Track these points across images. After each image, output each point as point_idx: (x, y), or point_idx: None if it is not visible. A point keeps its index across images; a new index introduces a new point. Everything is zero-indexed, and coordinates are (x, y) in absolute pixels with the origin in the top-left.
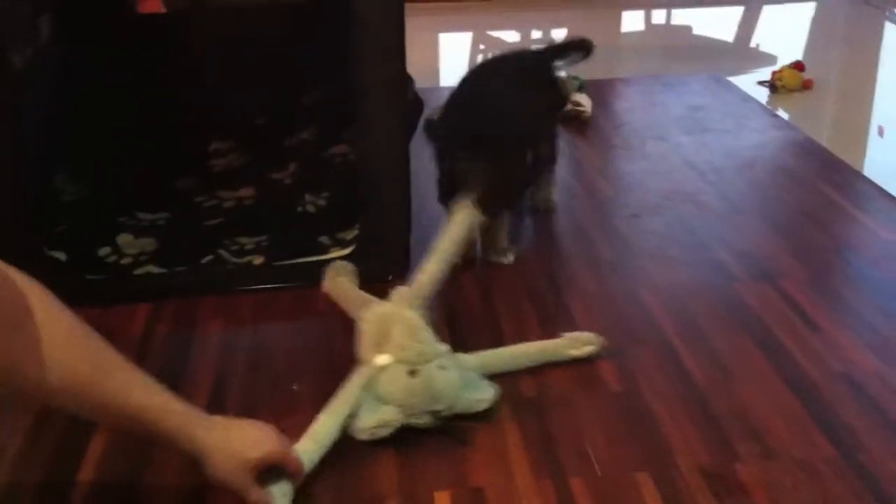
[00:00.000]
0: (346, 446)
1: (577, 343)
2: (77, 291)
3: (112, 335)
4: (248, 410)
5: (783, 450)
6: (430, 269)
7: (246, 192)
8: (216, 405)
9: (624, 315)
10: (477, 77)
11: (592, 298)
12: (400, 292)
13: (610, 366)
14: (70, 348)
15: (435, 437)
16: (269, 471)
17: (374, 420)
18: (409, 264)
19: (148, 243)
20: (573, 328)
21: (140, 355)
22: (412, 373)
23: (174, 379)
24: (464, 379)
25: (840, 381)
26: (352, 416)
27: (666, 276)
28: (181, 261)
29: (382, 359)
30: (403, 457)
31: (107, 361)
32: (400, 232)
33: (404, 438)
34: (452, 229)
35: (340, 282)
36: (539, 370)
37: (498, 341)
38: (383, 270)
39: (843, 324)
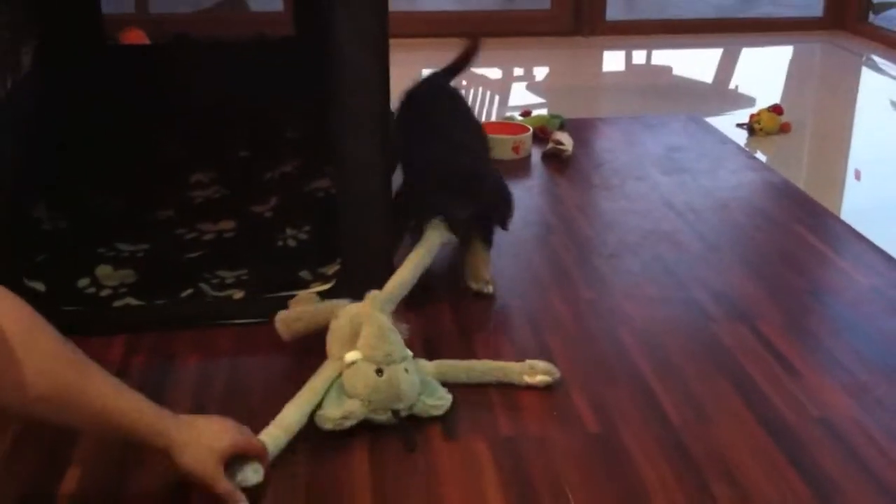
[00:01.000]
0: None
1: (533, 371)
2: (54, 323)
3: None
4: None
5: (758, 492)
6: (403, 276)
7: (226, 224)
8: None
9: (601, 354)
10: (426, 112)
11: (570, 337)
12: (372, 295)
13: (587, 405)
14: (57, 356)
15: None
16: (236, 459)
17: (340, 412)
18: None
19: (127, 275)
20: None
21: None
22: (378, 371)
23: None
24: (424, 384)
25: (816, 424)
26: (318, 406)
27: (643, 316)
28: (160, 293)
29: (352, 355)
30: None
31: (87, 367)
32: (380, 268)
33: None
34: (426, 241)
35: (306, 298)
36: (516, 408)
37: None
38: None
39: (820, 367)
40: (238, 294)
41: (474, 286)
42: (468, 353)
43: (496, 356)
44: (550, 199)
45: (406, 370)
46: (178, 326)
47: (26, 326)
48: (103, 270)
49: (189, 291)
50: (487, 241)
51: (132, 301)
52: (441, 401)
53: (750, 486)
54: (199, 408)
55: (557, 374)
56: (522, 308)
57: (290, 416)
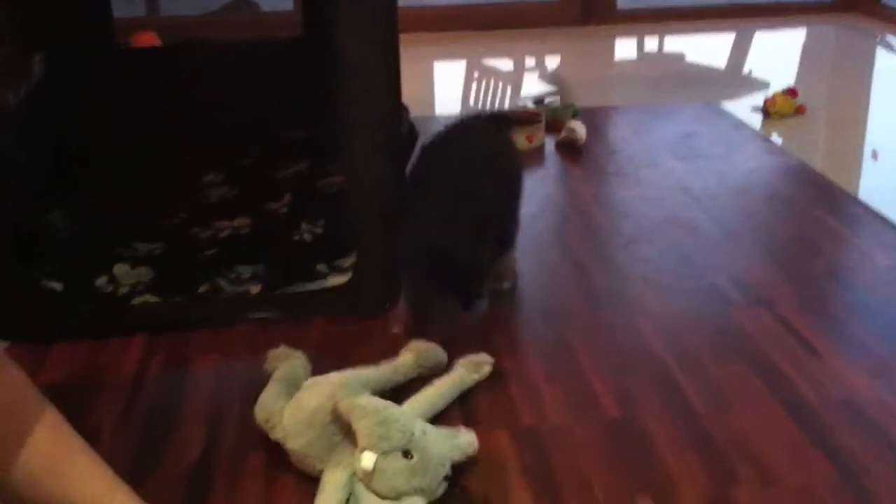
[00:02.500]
0: None
1: (476, 367)
2: (73, 323)
3: (106, 370)
4: (243, 444)
5: (783, 475)
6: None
7: (241, 221)
8: (211, 440)
9: (620, 343)
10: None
11: (588, 326)
12: (340, 381)
13: (608, 394)
14: (48, 438)
15: None
16: None
17: None
18: None
19: (144, 273)
20: (570, 356)
21: (133, 390)
22: (406, 454)
23: (168, 414)
24: (438, 430)
25: (839, 405)
26: None
27: (661, 303)
28: (178, 290)
29: (367, 460)
30: None
31: (74, 447)
32: (395, 264)
33: None
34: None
35: (283, 354)
36: (537, 399)
37: (497, 372)
38: (379, 301)
39: (841, 349)
40: (255, 288)
41: (492, 286)
42: (488, 349)
43: (514, 349)
44: (564, 189)
45: (424, 432)
46: (197, 324)
47: (21, 403)
48: (120, 269)
49: (206, 287)
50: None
51: (150, 298)
52: (464, 436)
53: (775, 469)
54: (217, 410)
55: (492, 361)
56: (539, 299)
57: None
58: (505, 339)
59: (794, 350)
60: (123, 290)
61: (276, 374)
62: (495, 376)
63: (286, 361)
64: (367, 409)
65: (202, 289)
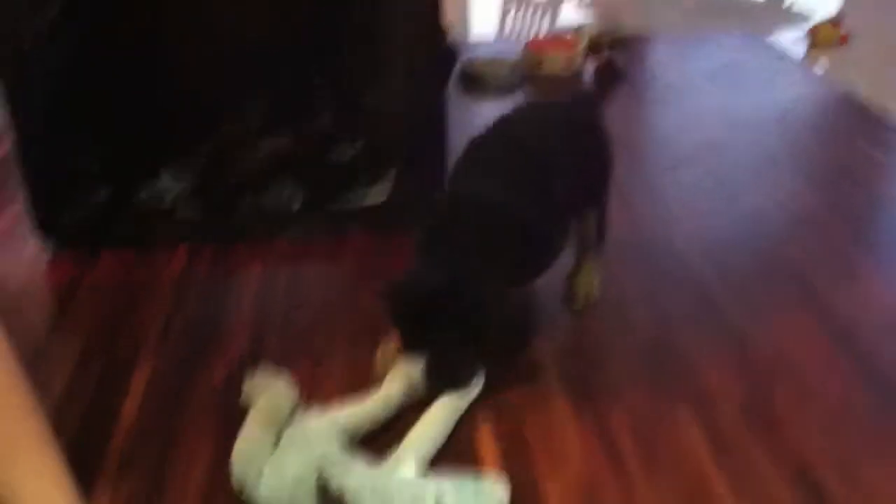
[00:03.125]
0: None
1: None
2: (118, 234)
3: (151, 278)
4: (286, 353)
5: (821, 392)
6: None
7: (281, 140)
8: (254, 345)
9: (659, 263)
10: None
11: (627, 246)
12: (319, 437)
13: (646, 312)
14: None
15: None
16: None
17: None
18: None
19: (187, 188)
20: (608, 275)
21: (179, 298)
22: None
23: (213, 321)
24: (457, 489)
25: (879, 328)
26: None
27: (702, 226)
28: (220, 206)
29: None
30: None
31: (21, 443)
32: (433, 183)
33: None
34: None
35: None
36: (577, 317)
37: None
38: (416, 217)
39: (882, 273)
40: (295, 206)
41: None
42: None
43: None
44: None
45: (438, 500)
46: (238, 238)
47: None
48: (164, 183)
49: (247, 204)
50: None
51: (192, 213)
52: (492, 489)
53: (812, 384)
54: (262, 317)
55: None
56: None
57: None
58: None
59: (835, 273)
60: (167, 203)
61: (256, 409)
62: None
63: (267, 393)
64: (363, 494)
65: (243, 205)
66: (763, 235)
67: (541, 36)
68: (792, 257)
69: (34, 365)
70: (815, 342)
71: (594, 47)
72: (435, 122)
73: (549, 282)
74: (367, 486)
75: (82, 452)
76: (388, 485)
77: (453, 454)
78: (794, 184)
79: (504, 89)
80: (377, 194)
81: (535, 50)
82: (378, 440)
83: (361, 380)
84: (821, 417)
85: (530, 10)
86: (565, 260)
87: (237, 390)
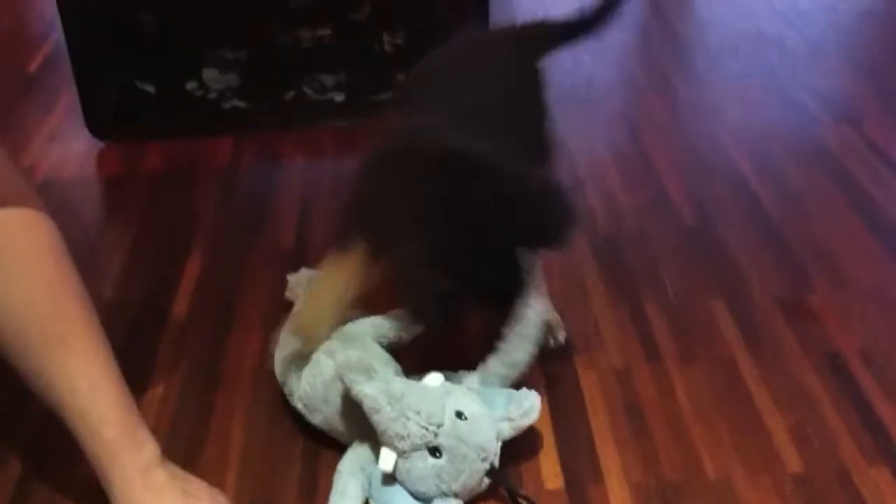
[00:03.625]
0: None
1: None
2: (166, 124)
3: (200, 165)
4: (331, 236)
5: (855, 281)
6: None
7: (324, 31)
8: (301, 232)
9: (699, 152)
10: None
11: (668, 136)
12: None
13: (684, 201)
14: (49, 292)
15: None
16: None
17: None
18: None
19: (232, 79)
20: (648, 165)
21: (227, 184)
22: (435, 452)
23: (261, 206)
24: (485, 403)
25: None
26: None
27: (744, 117)
28: (265, 96)
29: (386, 461)
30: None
31: (73, 334)
32: None
33: None
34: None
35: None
36: (615, 208)
37: (575, 178)
38: None
39: None
40: (339, 97)
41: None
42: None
43: (592, 156)
44: (647, 3)
45: (461, 414)
46: (283, 127)
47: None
48: (210, 74)
49: (291, 94)
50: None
51: (238, 103)
52: (527, 399)
53: (848, 274)
54: (307, 206)
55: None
56: (619, 110)
57: None
58: (583, 147)
59: (877, 167)
60: (213, 94)
61: (294, 311)
62: (571, 185)
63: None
64: (379, 401)
65: (287, 96)
66: (806, 127)
67: None
68: (834, 150)
69: (87, 256)
70: (853, 234)
71: None
72: (476, 7)
73: (580, 174)
74: (385, 393)
75: (135, 343)
76: (407, 392)
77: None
78: (840, 75)
79: None
80: None
81: None
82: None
83: None
84: (855, 308)
85: None
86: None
87: (283, 281)
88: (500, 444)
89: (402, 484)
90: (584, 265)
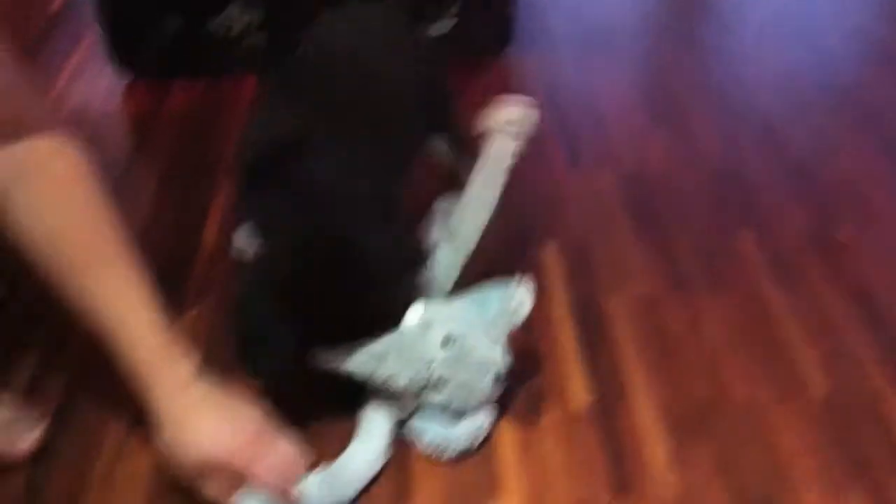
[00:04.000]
0: None
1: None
2: (191, 61)
3: (223, 102)
4: None
5: (884, 215)
6: None
7: None
8: None
9: (726, 93)
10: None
11: (695, 78)
12: None
13: (712, 140)
14: (84, 217)
15: (532, 196)
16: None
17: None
18: (513, 37)
19: (255, 15)
20: (675, 105)
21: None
22: (437, 385)
23: None
24: (477, 305)
25: None
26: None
27: (772, 58)
28: (288, 32)
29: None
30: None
31: (109, 257)
32: (494, 14)
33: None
34: None
35: None
36: (640, 147)
37: (600, 116)
38: (485, 46)
39: None
40: None
41: None
42: (589, 97)
43: (619, 96)
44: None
45: (447, 341)
46: None
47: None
48: (234, 11)
49: None
50: None
51: (260, 42)
52: (517, 296)
53: (875, 210)
54: None
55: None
56: (645, 53)
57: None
58: (609, 87)
59: None
60: (237, 32)
61: None
62: (599, 122)
63: None
64: (364, 369)
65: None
66: (836, 70)
67: None
68: (863, 96)
69: (115, 192)
70: (881, 171)
71: None
72: None
73: (606, 113)
74: (368, 359)
75: (165, 275)
76: (387, 351)
77: (519, 271)
78: (874, 24)
79: None
80: (441, 27)
81: None
82: None
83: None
84: (882, 243)
85: None
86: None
87: None
88: (502, 345)
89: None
90: (610, 199)
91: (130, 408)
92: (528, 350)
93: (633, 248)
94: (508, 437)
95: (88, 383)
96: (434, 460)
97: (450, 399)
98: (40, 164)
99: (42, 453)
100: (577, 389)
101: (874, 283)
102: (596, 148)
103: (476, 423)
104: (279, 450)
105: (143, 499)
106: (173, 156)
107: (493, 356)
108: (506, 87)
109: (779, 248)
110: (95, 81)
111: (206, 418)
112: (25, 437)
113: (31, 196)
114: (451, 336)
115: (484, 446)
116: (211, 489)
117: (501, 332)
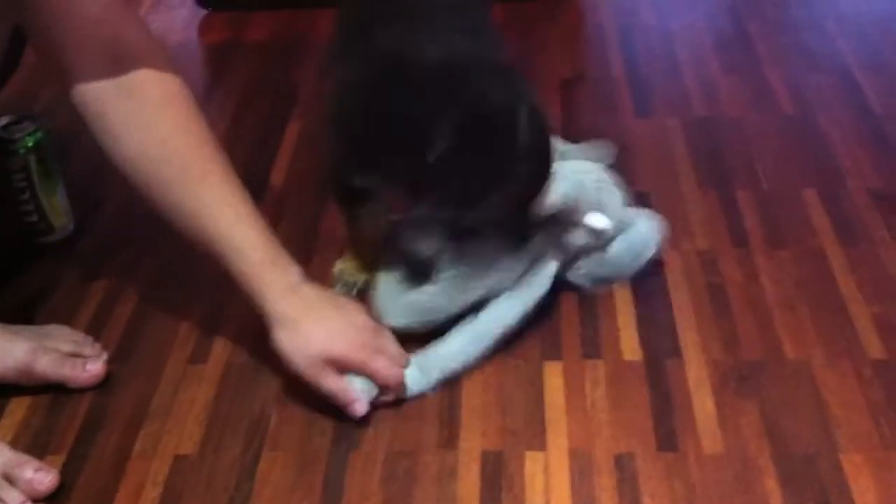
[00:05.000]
0: None
1: None
2: None
3: (301, 38)
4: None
5: None
6: None
7: None
8: None
9: (804, 41)
10: None
11: (773, 25)
12: None
13: (785, 90)
14: (185, 133)
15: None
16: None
17: None
18: None
19: None
20: (750, 51)
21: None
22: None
23: None
24: None
25: None
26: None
27: (854, 7)
28: None
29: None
30: None
31: (212, 171)
32: None
33: None
34: None
35: None
36: (712, 92)
37: (673, 63)
38: None
39: None
40: None
41: None
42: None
43: (694, 41)
44: None
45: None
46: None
47: (177, 94)
48: None
49: None
50: None
51: None
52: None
53: None
54: None
55: None
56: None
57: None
58: (684, 31)
59: None
60: None
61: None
62: (670, 68)
63: None
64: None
65: None
66: None
67: None
68: None
69: None
70: None
71: None
72: None
73: (678, 57)
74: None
75: None
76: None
77: None
78: None
79: None
80: None
81: None
82: None
83: None
84: None
85: None
86: None
87: None
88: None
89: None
90: (675, 147)
91: (189, 343)
92: (584, 298)
93: (697, 200)
94: (558, 382)
95: (148, 319)
96: (484, 398)
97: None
98: (139, 85)
99: (105, 382)
100: (630, 342)
101: None
102: (666, 96)
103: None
104: (390, 347)
105: (200, 428)
106: (248, 89)
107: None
108: (578, 28)
109: (844, 206)
110: (174, 12)
111: (322, 317)
112: (90, 367)
113: (134, 111)
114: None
115: (533, 388)
116: (330, 385)
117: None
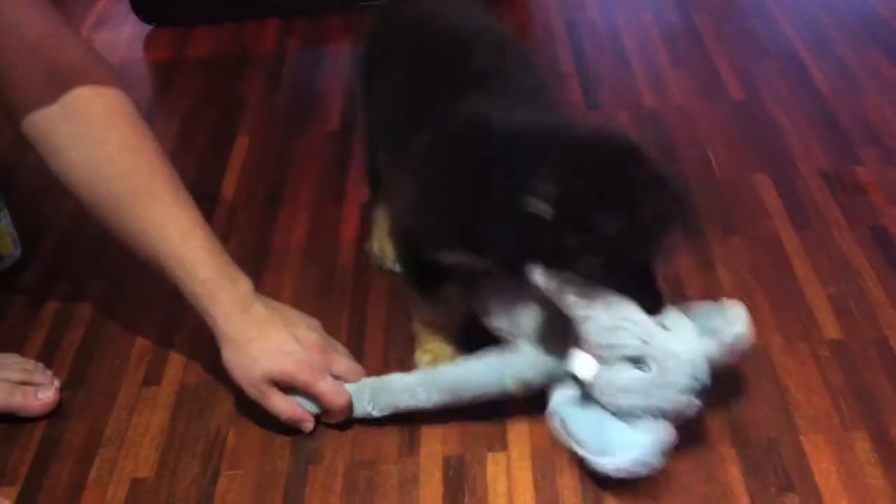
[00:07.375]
0: None
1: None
2: (212, 8)
3: (246, 48)
4: None
5: None
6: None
7: None
8: (347, 114)
9: (750, 28)
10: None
11: (718, 13)
12: None
13: (733, 77)
14: (132, 150)
15: None
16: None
17: None
18: None
19: None
20: (697, 42)
21: (275, 65)
22: (637, 363)
23: (307, 90)
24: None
25: None
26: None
27: None
28: None
29: (585, 368)
30: None
31: (161, 186)
32: None
33: None
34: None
35: None
36: (661, 86)
37: (624, 58)
38: None
39: None
40: None
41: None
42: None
43: (641, 35)
44: None
45: (666, 327)
46: (329, 8)
47: (121, 110)
48: None
49: None
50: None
51: None
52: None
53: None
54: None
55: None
56: None
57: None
58: (631, 23)
59: None
60: None
61: None
62: (619, 62)
63: None
64: (595, 307)
65: None
66: (864, 8)
67: None
68: (888, 25)
69: None
70: None
71: None
72: None
73: (627, 49)
74: (597, 304)
75: None
76: (617, 301)
77: None
78: None
79: None
80: None
81: None
82: None
83: None
84: None
85: None
86: None
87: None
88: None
89: (598, 396)
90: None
91: (141, 365)
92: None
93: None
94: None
95: (99, 343)
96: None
97: (646, 383)
98: (84, 102)
99: (58, 410)
100: None
101: (891, 223)
102: (615, 89)
103: (656, 436)
104: (340, 365)
105: (157, 450)
106: (194, 105)
107: (702, 363)
108: (526, 25)
109: (796, 189)
110: (118, 29)
111: (270, 335)
112: (41, 395)
113: (79, 130)
114: (666, 322)
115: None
116: (274, 405)
117: (712, 350)
